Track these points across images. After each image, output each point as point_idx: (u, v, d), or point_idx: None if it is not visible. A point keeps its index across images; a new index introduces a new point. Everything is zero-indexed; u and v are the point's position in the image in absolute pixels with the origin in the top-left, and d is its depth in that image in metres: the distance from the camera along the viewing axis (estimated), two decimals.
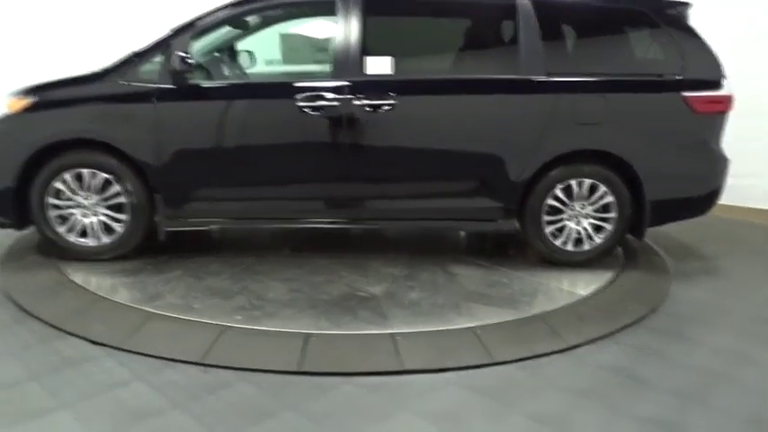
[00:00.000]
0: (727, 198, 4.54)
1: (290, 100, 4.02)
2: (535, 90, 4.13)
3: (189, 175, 4.16)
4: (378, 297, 3.73)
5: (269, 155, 4.16)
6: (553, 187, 4.22)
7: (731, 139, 4.40)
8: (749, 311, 3.90)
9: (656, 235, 4.98)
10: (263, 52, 5.49)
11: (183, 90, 4.03)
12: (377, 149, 4.13)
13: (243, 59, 4.97)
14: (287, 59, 6.06)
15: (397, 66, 4.08)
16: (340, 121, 4.02)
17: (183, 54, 3.92)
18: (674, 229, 5.06)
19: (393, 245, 4.80)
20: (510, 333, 3.38)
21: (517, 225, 4.31)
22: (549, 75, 4.11)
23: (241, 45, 4.86)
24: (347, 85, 4.02)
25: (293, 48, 6.03)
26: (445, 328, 3.37)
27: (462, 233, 4.95)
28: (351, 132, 4.06)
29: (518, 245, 4.60)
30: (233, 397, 2.81)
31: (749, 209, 5.85)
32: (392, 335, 3.27)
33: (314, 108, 4.01)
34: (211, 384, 2.89)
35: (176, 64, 3.91)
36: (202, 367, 3.00)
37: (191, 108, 4.08)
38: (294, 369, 2.99)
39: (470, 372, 3.04)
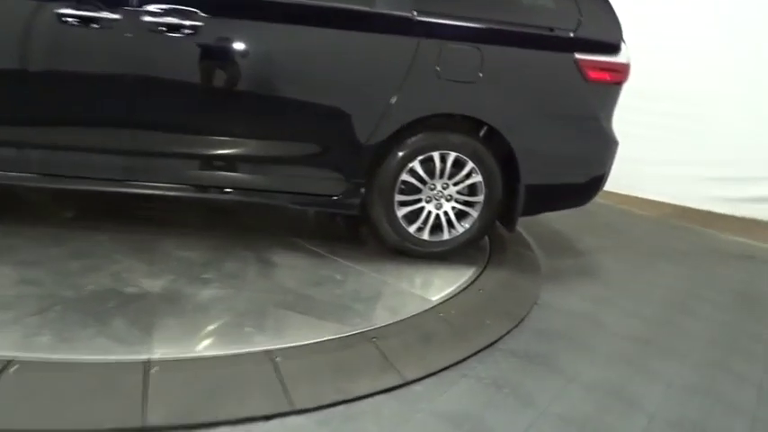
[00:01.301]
0: (610, 183, 3.85)
1: (45, 2, 2.81)
2: (395, 29, 3.15)
3: None
4: (152, 296, 2.65)
5: (28, 84, 2.93)
6: (410, 159, 3.30)
7: (616, 119, 3.68)
8: (623, 328, 3.22)
9: (530, 223, 4.24)
10: None
11: None
12: (173, 88, 3.01)
13: None
14: None
15: None
16: (119, 42, 2.87)
17: None
18: (549, 217, 4.35)
19: (206, 217, 3.73)
20: (322, 362, 2.43)
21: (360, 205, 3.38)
22: (415, 12, 3.17)
23: None
24: None
25: None
26: (234, 351, 2.36)
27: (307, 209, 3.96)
28: (135, 61, 2.91)
29: (365, 230, 3.67)
30: None
31: (633, 197, 5.29)
32: (144, 364, 2.19)
33: (81, 20, 2.82)
34: None
35: None
36: None
37: None
38: None
39: (248, 428, 2.08)
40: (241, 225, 3.63)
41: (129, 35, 2.85)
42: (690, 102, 5.22)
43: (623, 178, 4.22)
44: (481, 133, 3.42)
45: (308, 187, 3.28)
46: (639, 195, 5.30)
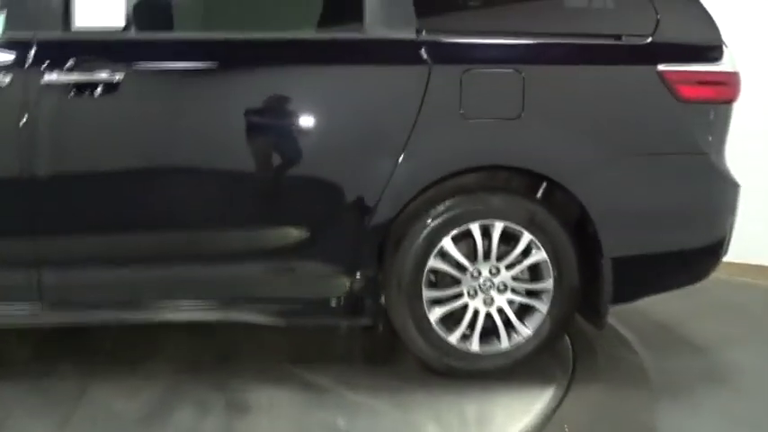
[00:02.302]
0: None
1: None
2: (395, 58, 2.28)
3: None
4: None
5: None
6: (439, 237, 2.30)
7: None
8: None
9: (625, 313, 3.10)
10: None
11: None
12: (85, 169, 2.17)
13: None
14: None
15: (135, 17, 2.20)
16: (13, 112, 2.08)
17: None
18: (649, 303, 3.18)
19: (164, 338, 2.77)
20: None
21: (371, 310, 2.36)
22: (420, 32, 2.29)
23: None
24: (29, 47, 2.10)
25: None
26: None
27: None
28: (35, 135, 2.10)
29: (387, 343, 2.63)
30: None
31: (749, 265, 4.04)
32: None
33: None
34: None
35: None
36: None
37: None
38: None
39: None
40: (212, 348, 2.65)
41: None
42: None
43: (738, 239, 3.00)
44: (539, 192, 2.42)
45: (293, 291, 2.31)
46: (761, 263, 4.05)
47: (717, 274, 2.73)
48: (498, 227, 2.32)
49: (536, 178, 2.39)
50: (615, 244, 2.36)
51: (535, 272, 2.41)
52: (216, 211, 2.25)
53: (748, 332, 3.26)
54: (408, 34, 2.25)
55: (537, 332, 2.39)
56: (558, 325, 2.40)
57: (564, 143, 2.32)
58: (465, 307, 2.36)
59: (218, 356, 2.57)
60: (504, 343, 2.38)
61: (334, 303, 2.28)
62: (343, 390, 2.30)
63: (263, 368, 2.45)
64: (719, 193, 2.49)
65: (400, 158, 2.23)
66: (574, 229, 2.42)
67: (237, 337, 2.73)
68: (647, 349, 2.89)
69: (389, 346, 2.54)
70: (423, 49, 2.24)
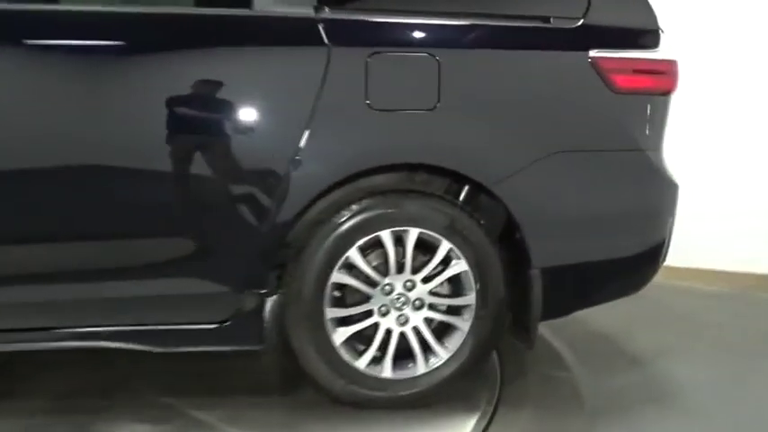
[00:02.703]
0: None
1: None
2: (289, 38, 1.94)
3: None
4: None
5: None
6: (343, 247, 1.99)
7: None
8: None
9: (557, 326, 2.85)
10: None
11: None
12: None
13: None
14: None
15: None
16: None
17: None
18: (584, 312, 2.95)
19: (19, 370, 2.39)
20: None
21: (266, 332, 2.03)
22: (320, 8, 1.96)
23: None
24: None
25: None
26: None
27: None
28: None
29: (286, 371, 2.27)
30: None
31: (694, 269, 3.87)
32: None
33: None
34: None
35: None
36: None
37: None
38: None
39: None
40: (86, 380, 2.28)
41: None
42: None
43: (678, 242, 2.78)
44: (462, 194, 2.14)
45: (172, 313, 1.95)
46: (703, 266, 3.88)
47: (656, 279, 2.51)
48: (413, 234, 2.01)
49: (456, 179, 2.11)
50: (545, 253, 2.09)
51: (456, 285, 2.13)
52: (77, 219, 1.87)
53: (689, 341, 3.06)
54: (305, 10, 1.92)
55: (458, 353, 2.09)
56: (483, 344, 2.12)
57: (485, 139, 2.03)
58: (375, 327, 2.05)
59: (91, 390, 2.20)
60: (421, 367, 2.08)
61: (220, 326, 1.94)
62: (231, 428, 1.96)
63: (140, 404, 2.09)
64: (658, 194, 2.24)
65: (296, 156, 1.90)
66: (499, 237, 2.16)
67: (119, 367, 2.35)
68: (581, 365, 2.63)
69: (288, 375, 2.21)
70: (321, 28, 1.92)
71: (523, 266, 2.10)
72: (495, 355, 2.50)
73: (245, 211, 1.90)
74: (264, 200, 1.89)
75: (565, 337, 2.84)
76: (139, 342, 1.89)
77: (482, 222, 2.08)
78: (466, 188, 2.13)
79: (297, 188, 1.91)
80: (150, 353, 1.92)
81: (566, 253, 2.12)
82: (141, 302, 1.89)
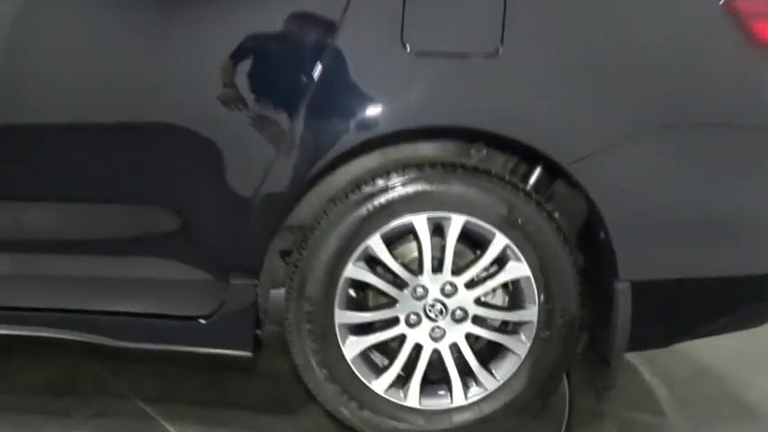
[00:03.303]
0: None
1: None
2: None
3: None
4: None
5: None
6: (362, 233, 1.51)
7: None
8: None
9: (650, 355, 2.25)
10: None
11: None
12: None
13: None
14: None
15: None
16: None
17: None
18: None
19: None
20: None
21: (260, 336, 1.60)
22: None
23: None
24: None
25: None
26: None
27: None
28: None
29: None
30: None
31: None
32: None
33: None
34: None
35: None
36: None
37: None
38: None
39: None
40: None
41: None
42: None
43: None
44: (532, 176, 1.62)
45: (143, 303, 1.54)
46: None
47: None
48: (457, 223, 1.52)
49: (526, 158, 1.60)
50: (639, 261, 1.53)
51: (512, 295, 1.62)
52: (21, 179, 1.51)
53: None
54: None
55: (509, 385, 1.58)
56: (544, 376, 1.59)
57: (568, 102, 1.50)
58: (401, 340, 1.58)
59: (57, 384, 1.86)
60: (459, 398, 1.59)
61: (200, 322, 1.53)
62: None
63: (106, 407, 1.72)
64: None
65: (301, 109, 1.45)
66: (577, 236, 1.62)
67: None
68: (677, 410, 2.04)
69: (290, 392, 1.78)
70: None
71: (607, 277, 1.55)
72: (563, 386, 1.97)
73: (231, 174, 1.46)
74: (259, 161, 1.46)
75: (659, 370, 2.22)
76: (98, 333, 1.51)
77: (554, 215, 1.56)
78: (537, 169, 1.61)
79: (304, 149, 1.46)
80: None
81: (668, 263, 1.55)
82: (102, 284, 1.52)
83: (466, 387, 1.59)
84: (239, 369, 1.90)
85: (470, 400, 1.59)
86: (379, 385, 1.57)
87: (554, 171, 1.58)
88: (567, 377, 2.02)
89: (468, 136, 1.61)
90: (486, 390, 1.59)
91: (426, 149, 1.63)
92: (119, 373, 1.85)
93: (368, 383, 1.57)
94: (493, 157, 1.67)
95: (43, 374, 1.84)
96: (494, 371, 1.59)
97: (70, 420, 1.62)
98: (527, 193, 1.54)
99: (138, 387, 1.79)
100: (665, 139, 1.51)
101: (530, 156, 1.59)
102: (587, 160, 1.48)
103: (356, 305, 1.60)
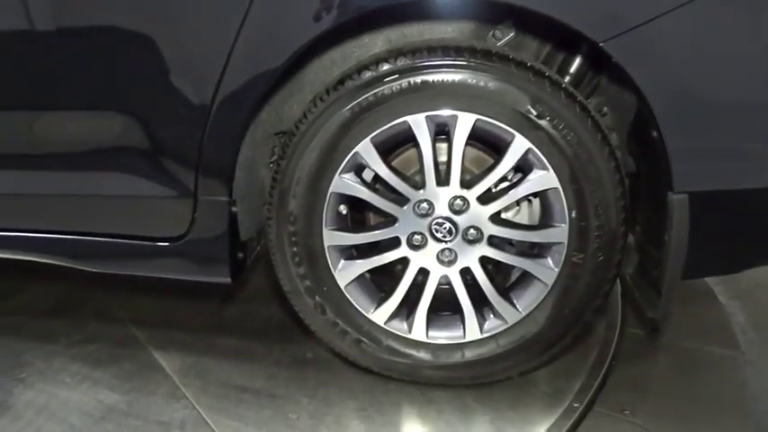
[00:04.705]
0: None
1: None
2: None
3: None
4: None
5: None
6: (350, 136, 1.24)
7: None
8: None
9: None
10: None
11: None
12: None
13: None
14: None
15: None
16: None
17: None
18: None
19: None
20: None
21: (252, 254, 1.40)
22: None
23: None
24: None
25: None
26: None
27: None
28: None
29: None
30: None
31: None
32: None
33: None
34: None
35: None
36: None
37: None
38: None
39: None
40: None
41: None
42: None
43: None
44: (574, 64, 1.30)
45: (98, 222, 1.37)
46: None
47: None
48: (464, 124, 1.22)
49: (562, 43, 1.26)
50: (700, 167, 1.20)
51: (538, 211, 1.33)
52: None
53: None
54: None
55: (532, 318, 1.32)
56: (575, 307, 1.31)
57: None
58: (403, 263, 1.35)
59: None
60: (472, 331, 1.35)
61: (170, 245, 1.35)
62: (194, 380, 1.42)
63: (96, 333, 1.60)
64: None
65: None
66: (628, 137, 1.30)
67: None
68: (762, 344, 1.71)
69: (289, 318, 1.60)
70: None
71: (659, 188, 1.24)
72: (616, 308, 1.69)
73: (183, 72, 1.23)
74: (212, 50, 1.20)
75: (737, 292, 1.89)
76: (64, 255, 1.37)
77: (589, 109, 1.23)
78: (577, 60, 1.28)
79: (268, 32, 1.19)
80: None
81: (738, 170, 1.21)
82: (62, 203, 1.35)
83: (482, 318, 1.35)
84: (236, 292, 1.75)
85: (486, 334, 1.35)
86: (380, 315, 1.36)
87: (592, 55, 1.24)
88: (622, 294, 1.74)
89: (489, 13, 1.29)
90: (505, 322, 1.34)
91: (439, 32, 1.34)
92: (121, 299, 1.74)
93: (366, 313, 1.36)
94: (522, 43, 1.36)
95: (45, 298, 1.76)
96: (515, 300, 1.33)
97: (54, 345, 1.53)
98: (554, 82, 1.22)
99: (135, 313, 1.67)
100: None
101: (568, 42, 1.25)
102: (630, 34, 1.13)
103: (353, 225, 1.37)
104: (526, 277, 1.34)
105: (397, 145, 1.33)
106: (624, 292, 1.75)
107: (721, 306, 1.84)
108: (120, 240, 1.35)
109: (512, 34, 1.35)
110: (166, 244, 1.33)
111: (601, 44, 1.13)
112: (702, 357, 1.62)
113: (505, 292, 1.34)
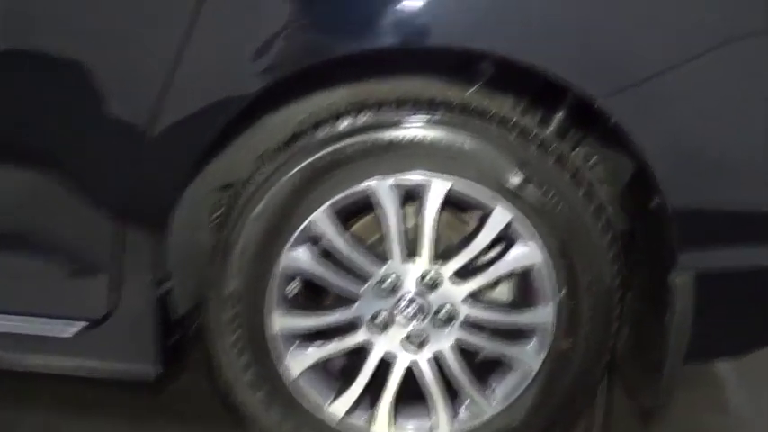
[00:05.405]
0: None
1: None
2: None
3: None
4: None
5: None
6: (303, 206, 1.04)
7: None
8: None
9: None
10: None
11: None
12: None
13: None
14: None
15: None
16: None
17: None
18: None
19: None
20: None
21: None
22: None
23: None
24: None
25: None
26: None
27: None
28: None
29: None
30: None
31: None
32: None
33: None
34: None
35: None
36: None
37: None
38: None
39: None
40: None
41: None
42: None
43: None
44: (559, 112, 1.12)
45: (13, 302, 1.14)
46: None
47: None
48: (437, 191, 1.04)
49: (547, 93, 1.09)
50: (708, 244, 1.05)
51: (525, 286, 1.15)
52: None
53: None
54: None
55: (513, 408, 1.15)
56: (561, 398, 1.15)
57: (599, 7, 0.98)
58: (363, 352, 1.15)
59: None
60: (443, 425, 1.17)
61: (87, 328, 1.12)
62: None
63: None
64: None
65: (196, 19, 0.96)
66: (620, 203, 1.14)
67: None
68: (749, 406, 1.57)
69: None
70: None
71: (660, 266, 1.08)
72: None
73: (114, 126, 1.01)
74: (144, 101, 0.99)
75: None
76: None
77: (582, 174, 1.06)
78: (560, 112, 1.11)
79: (201, 87, 1.00)
80: None
81: (752, 246, 1.06)
82: None
83: (453, 411, 1.16)
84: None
85: (463, 427, 1.17)
86: (337, 409, 1.16)
87: (583, 110, 1.08)
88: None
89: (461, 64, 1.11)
90: (483, 413, 1.15)
91: (389, 87, 1.14)
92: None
93: (321, 407, 1.15)
94: (499, 98, 1.17)
95: None
96: (493, 387, 1.15)
97: None
98: (542, 143, 1.05)
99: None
100: (748, 52, 0.98)
101: (549, 92, 1.09)
102: (631, 90, 0.97)
103: (306, 303, 1.16)
104: (505, 363, 1.16)
105: (358, 210, 1.13)
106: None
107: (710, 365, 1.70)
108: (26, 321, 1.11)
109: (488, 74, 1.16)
110: (81, 326, 1.10)
111: (603, 101, 0.97)
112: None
113: (483, 378, 1.16)
